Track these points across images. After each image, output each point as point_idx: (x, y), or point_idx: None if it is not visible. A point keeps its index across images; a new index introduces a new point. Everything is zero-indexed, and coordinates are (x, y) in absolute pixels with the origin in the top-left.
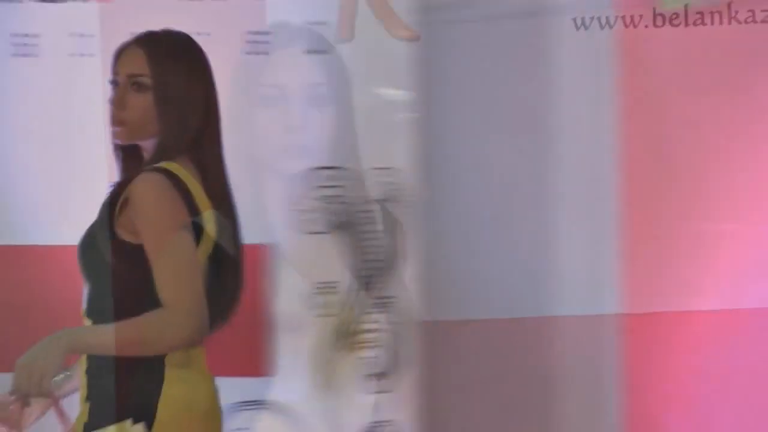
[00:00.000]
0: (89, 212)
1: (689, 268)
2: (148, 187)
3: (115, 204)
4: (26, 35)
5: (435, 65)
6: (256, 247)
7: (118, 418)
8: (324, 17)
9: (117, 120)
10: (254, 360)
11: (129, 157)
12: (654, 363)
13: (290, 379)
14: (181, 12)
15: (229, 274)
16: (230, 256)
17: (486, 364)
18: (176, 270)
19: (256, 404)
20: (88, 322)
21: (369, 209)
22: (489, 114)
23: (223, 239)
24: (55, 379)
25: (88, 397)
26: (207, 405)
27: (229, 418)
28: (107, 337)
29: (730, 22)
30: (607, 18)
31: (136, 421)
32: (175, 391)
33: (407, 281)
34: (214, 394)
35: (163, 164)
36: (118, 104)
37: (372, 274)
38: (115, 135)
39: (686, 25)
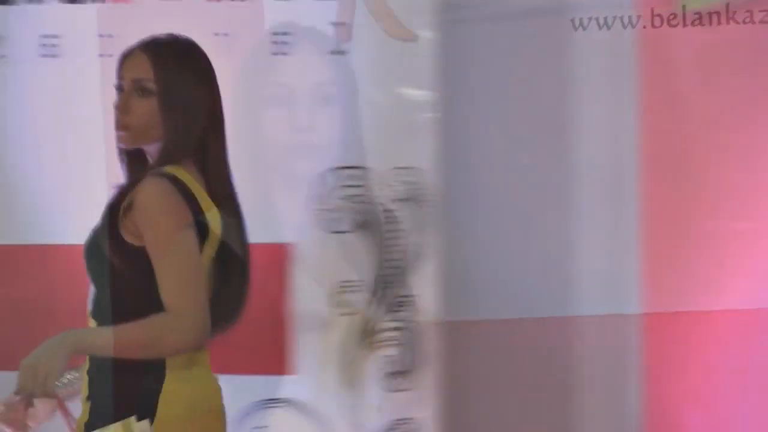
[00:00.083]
0: None
1: (710, 268)
2: (152, 191)
3: (119, 207)
4: (52, 36)
5: (456, 65)
6: (278, 246)
7: (118, 418)
8: (344, 18)
9: (121, 124)
10: (276, 358)
11: (133, 161)
12: (674, 362)
13: (311, 377)
14: (202, 12)
15: (235, 275)
16: (237, 257)
17: (506, 363)
18: (179, 274)
19: (277, 402)
20: (93, 323)
21: (391, 209)
22: (510, 114)
23: (229, 240)
24: (63, 380)
25: (89, 397)
26: (209, 405)
27: (251, 415)
28: (111, 339)
29: (752, 22)
30: (629, 17)
31: (139, 419)
32: (175, 391)
33: (428, 280)
34: (216, 395)
35: (167, 169)
36: (122, 109)
37: (393, 273)
38: (119, 139)
39: (708, 24)
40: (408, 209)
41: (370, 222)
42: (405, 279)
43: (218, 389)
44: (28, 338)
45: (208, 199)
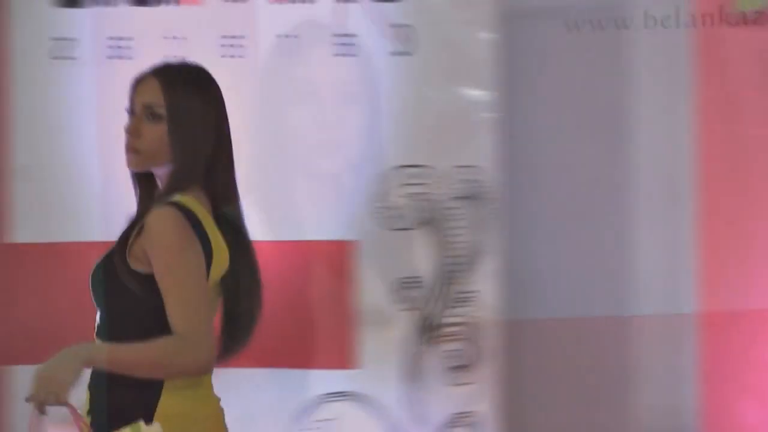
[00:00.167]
0: None
1: (766, 267)
2: (160, 221)
3: (129, 235)
4: (121, 38)
5: (516, 65)
6: (342, 243)
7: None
8: (405, 20)
9: (131, 147)
10: (340, 353)
11: (144, 184)
12: (731, 360)
13: (374, 372)
14: (266, 14)
15: (245, 299)
16: (245, 281)
17: (565, 360)
18: (188, 301)
19: (341, 396)
20: (98, 342)
21: (452, 206)
22: (568, 113)
23: (237, 265)
24: None
25: (90, 410)
26: (207, 425)
27: (314, 409)
28: (122, 356)
29: None
30: (683, 17)
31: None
32: (172, 407)
33: (488, 277)
34: (217, 415)
35: (176, 197)
36: (133, 132)
37: (454, 269)
38: (129, 162)
39: (764, 24)
40: (468, 207)
41: (431, 219)
42: (465, 275)
43: (219, 410)
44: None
45: (215, 227)
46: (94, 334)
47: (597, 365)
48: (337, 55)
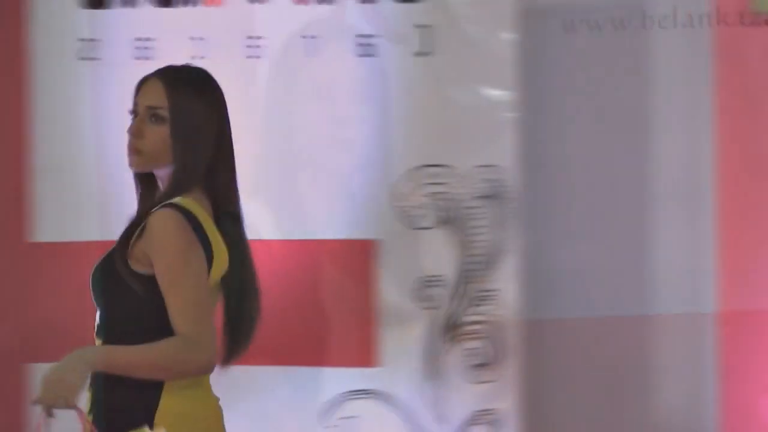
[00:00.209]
0: None
1: None
2: (162, 224)
3: (130, 236)
4: (145, 39)
5: (537, 65)
6: (363, 242)
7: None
8: (428, 20)
9: (134, 148)
10: (363, 351)
11: (145, 184)
12: (750, 359)
13: (396, 370)
14: (290, 15)
15: (244, 301)
16: (244, 283)
17: (586, 358)
18: (190, 303)
19: (363, 394)
20: (99, 342)
21: (473, 206)
22: (589, 113)
23: (236, 267)
24: None
25: (91, 410)
26: (207, 425)
27: (338, 406)
28: (126, 359)
29: None
30: (703, 17)
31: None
32: (173, 407)
33: (509, 275)
34: (216, 416)
35: (178, 200)
36: (136, 133)
37: (475, 268)
38: (131, 162)
39: None
40: (489, 206)
41: (452, 219)
42: (486, 274)
43: (218, 410)
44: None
45: (215, 229)
46: (94, 334)
47: (617, 364)
48: (358, 55)
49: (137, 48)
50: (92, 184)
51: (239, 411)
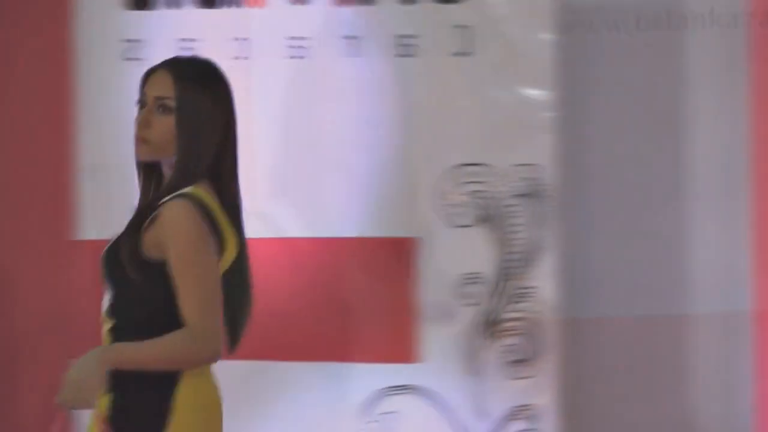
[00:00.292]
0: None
1: None
2: (177, 213)
3: (139, 224)
4: (189, 39)
5: (575, 65)
6: (405, 240)
7: (133, 422)
8: (467, 21)
9: (141, 138)
10: (403, 347)
11: (149, 174)
12: None
13: (436, 365)
14: (331, 16)
15: (243, 294)
16: (245, 276)
17: (623, 356)
18: (202, 293)
19: (403, 389)
20: (109, 322)
21: (511, 204)
22: (625, 112)
23: (239, 259)
24: None
25: (109, 416)
26: (213, 412)
27: (378, 402)
28: (140, 354)
29: None
30: (739, 17)
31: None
32: (187, 397)
33: (547, 273)
34: (219, 403)
35: (189, 190)
36: (143, 123)
37: (514, 265)
38: (138, 152)
39: None
40: (527, 205)
41: (491, 217)
42: (525, 271)
43: (221, 398)
44: None
45: (225, 219)
46: (104, 316)
47: (653, 362)
48: (398, 56)
49: (181, 49)
50: (135, 184)
51: (279, 407)
